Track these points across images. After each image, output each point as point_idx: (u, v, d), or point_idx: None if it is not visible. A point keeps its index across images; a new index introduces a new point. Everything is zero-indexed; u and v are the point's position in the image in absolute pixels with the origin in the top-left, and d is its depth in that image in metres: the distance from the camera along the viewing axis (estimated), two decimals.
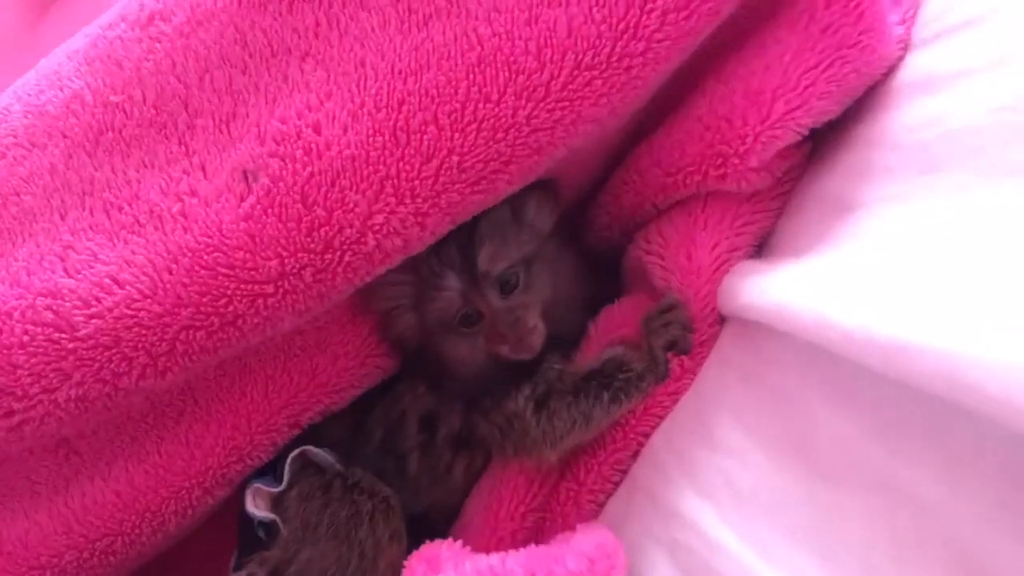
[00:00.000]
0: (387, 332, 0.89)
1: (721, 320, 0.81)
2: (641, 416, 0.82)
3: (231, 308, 0.75)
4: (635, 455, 0.82)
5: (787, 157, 0.80)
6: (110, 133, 0.81)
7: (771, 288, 0.68)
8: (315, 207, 0.74)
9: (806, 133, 0.77)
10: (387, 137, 0.74)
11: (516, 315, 0.84)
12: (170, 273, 0.75)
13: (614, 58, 0.74)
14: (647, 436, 0.81)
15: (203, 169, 0.79)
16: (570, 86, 0.74)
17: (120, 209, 0.79)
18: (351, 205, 0.74)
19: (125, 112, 0.81)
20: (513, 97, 0.74)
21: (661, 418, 0.81)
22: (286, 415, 0.87)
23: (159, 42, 0.81)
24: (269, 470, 0.88)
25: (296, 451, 0.86)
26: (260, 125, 0.78)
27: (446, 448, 0.89)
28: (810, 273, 0.65)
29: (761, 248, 0.84)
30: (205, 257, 0.75)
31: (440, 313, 0.85)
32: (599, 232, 0.98)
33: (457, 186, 0.75)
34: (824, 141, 0.81)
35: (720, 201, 0.83)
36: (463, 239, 0.82)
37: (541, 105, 0.74)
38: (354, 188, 0.74)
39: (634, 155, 0.90)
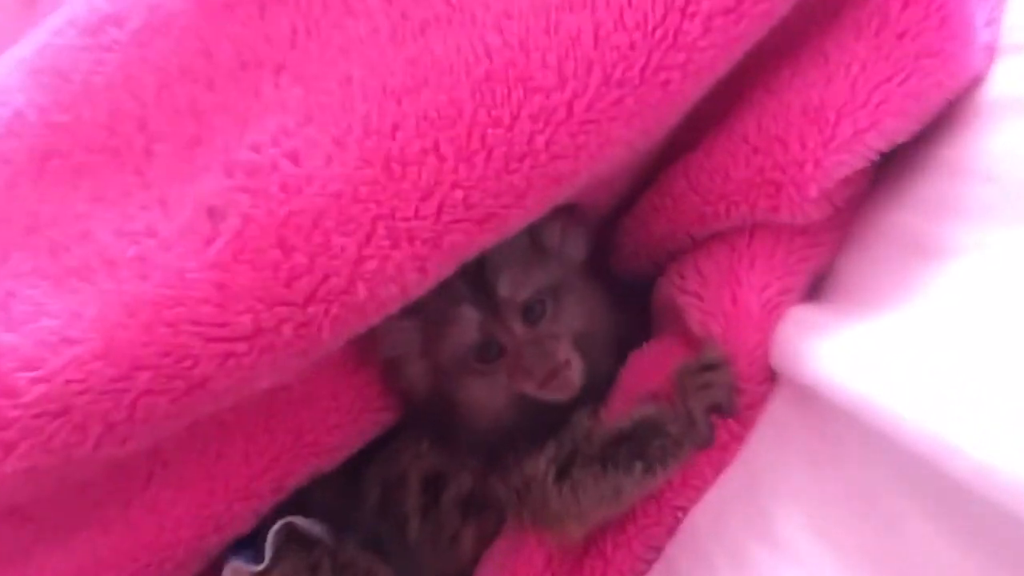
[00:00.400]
0: (393, 382, 0.78)
1: (773, 375, 0.69)
2: (679, 488, 0.71)
3: (198, 371, 0.64)
4: (670, 531, 0.70)
5: (851, 183, 0.68)
6: (56, 159, 0.69)
7: (840, 355, 0.57)
8: (294, 252, 0.62)
9: (875, 157, 0.65)
10: (378, 169, 0.62)
11: (544, 346, 0.73)
12: (125, 329, 0.63)
13: (649, 72, 0.62)
14: (685, 510, 0.70)
15: (163, 204, 0.67)
16: (597, 106, 0.62)
17: (67, 250, 0.67)
18: (337, 250, 0.62)
19: (72, 134, 0.69)
20: (529, 120, 0.62)
21: (701, 491, 0.70)
22: (268, 479, 0.76)
23: (111, 51, 0.69)
24: (249, 542, 0.78)
25: (280, 523, 0.75)
26: (228, 152, 0.66)
27: (453, 512, 0.78)
28: (890, 343, 0.54)
29: (815, 286, 0.72)
30: (166, 312, 0.63)
31: (453, 349, 0.74)
32: (623, 260, 0.86)
33: (462, 225, 0.64)
34: (888, 163, 0.69)
35: (769, 233, 0.71)
36: (475, 268, 0.71)
37: (562, 129, 0.62)
38: (340, 230, 0.62)
39: (667, 176, 0.78)
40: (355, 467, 0.81)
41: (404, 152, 0.62)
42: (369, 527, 0.79)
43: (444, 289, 0.70)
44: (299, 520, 0.76)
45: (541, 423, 0.75)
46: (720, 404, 0.70)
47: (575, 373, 0.73)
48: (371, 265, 0.63)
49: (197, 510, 0.76)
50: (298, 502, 0.78)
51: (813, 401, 0.61)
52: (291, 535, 0.76)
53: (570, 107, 0.62)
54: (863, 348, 0.56)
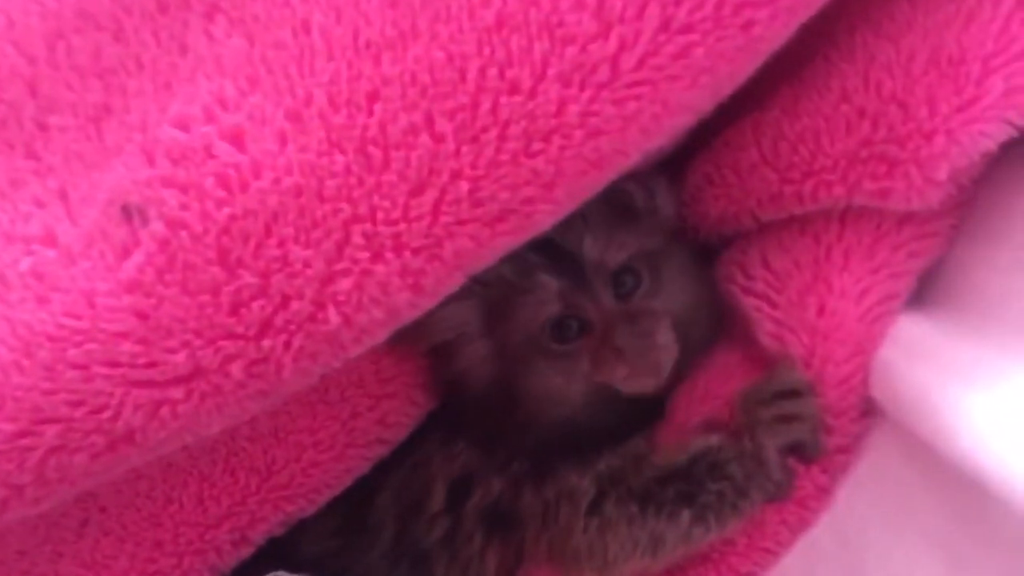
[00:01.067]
0: (445, 369, 0.64)
1: (872, 409, 0.54)
2: (744, 551, 0.56)
3: (121, 422, 0.49)
4: None
5: (983, 159, 0.51)
6: None
7: (982, 411, 0.41)
8: (240, 269, 0.46)
9: None
10: (351, 155, 0.45)
11: (642, 324, 0.59)
12: (20, 372, 0.48)
13: (726, 11, 0.44)
14: None
15: (64, 199, 0.50)
16: (652, 60, 0.45)
17: None
18: (298, 265, 0.46)
19: None
20: (558, 82, 0.45)
21: (776, 556, 0.55)
22: (229, 528, 0.62)
23: None
24: None
25: None
26: (147, 129, 0.49)
27: (475, 524, 0.64)
28: None
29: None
30: (72, 349, 0.47)
31: (526, 326, 0.60)
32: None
33: (469, 227, 0.47)
34: None
35: (867, 222, 0.55)
36: (552, 233, 0.54)
37: (604, 93, 0.45)
38: (301, 238, 0.46)
39: (728, 142, 0.60)
40: (354, 500, 0.66)
41: (386, 130, 0.45)
42: (380, 570, 0.65)
43: (511, 256, 0.54)
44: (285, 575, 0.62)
45: (610, 425, 0.61)
46: (802, 443, 0.55)
47: (668, 358, 0.59)
48: (344, 284, 0.47)
49: (142, 565, 0.62)
50: (282, 549, 0.64)
51: (930, 452, 0.45)
52: None
53: (615, 63, 0.45)
54: (1019, 407, 0.40)
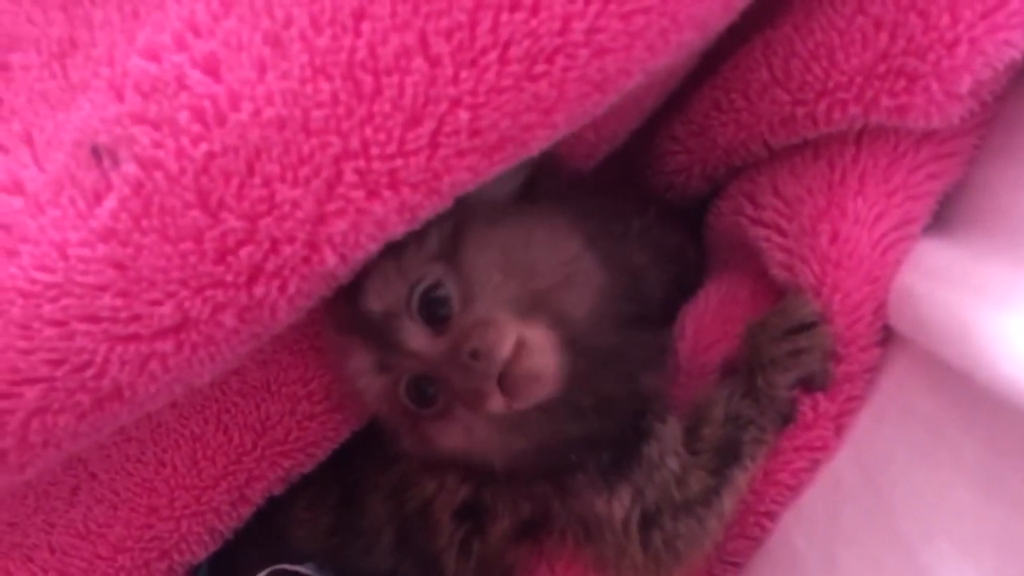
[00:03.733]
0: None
1: (887, 336, 0.52)
2: (763, 484, 0.54)
3: (106, 380, 0.46)
4: (756, 542, 0.55)
5: (1007, 72, 0.48)
6: None
7: (1018, 339, 0.39)
8: (223, 212, 0.43)
9: None
10: (338, 82, 0.41)
11: (478, 358, 0.48)
12: None
13: None
14: (773, 518, 0.54)
15: (29, 142, 0.47)
16: None
17: None
18: (287, 207, 0.43)
19: None
20: None
21: (794, 489, 0.53)
22: (226, 488, 0.60)
23: None
24: None
25: (267, 572, 0.59)
26: (115, 63, 0.45)
27: (504, 543, 0.59)
28: None
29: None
30: (47, 305, 0.44)
31: (384, 412, 0.54)
32: (666, 177, 0.66)
33: (469, 158, 0.44)
34: None
35: (884, 142, 0.52)
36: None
37: (611, 7, 0.42)
38: (288, 176, 0.42)
39: (736, 64, 0.57)
40: (343, 496, 0.64)
41: (376, 54, 0.41)
42: (385, 569, 0.63)
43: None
44: (291, 568, 0.59)
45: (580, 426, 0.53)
46: (811, 376, 0.53)
47: (539, 357, 0.48)
48: (340, 225, 0.44)
49: (138, 531, 0.59)
50: (278, 546, 0.62)
51: (959, 380, 0.43)
52: None
53: None
54: None
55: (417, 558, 0.61)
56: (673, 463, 0.54)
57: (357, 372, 0.52)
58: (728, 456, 0.54)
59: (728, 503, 0.54)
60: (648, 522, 0.54)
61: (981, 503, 0.42)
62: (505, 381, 0.48)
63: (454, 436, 0.52)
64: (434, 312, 0.49)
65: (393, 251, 0.47)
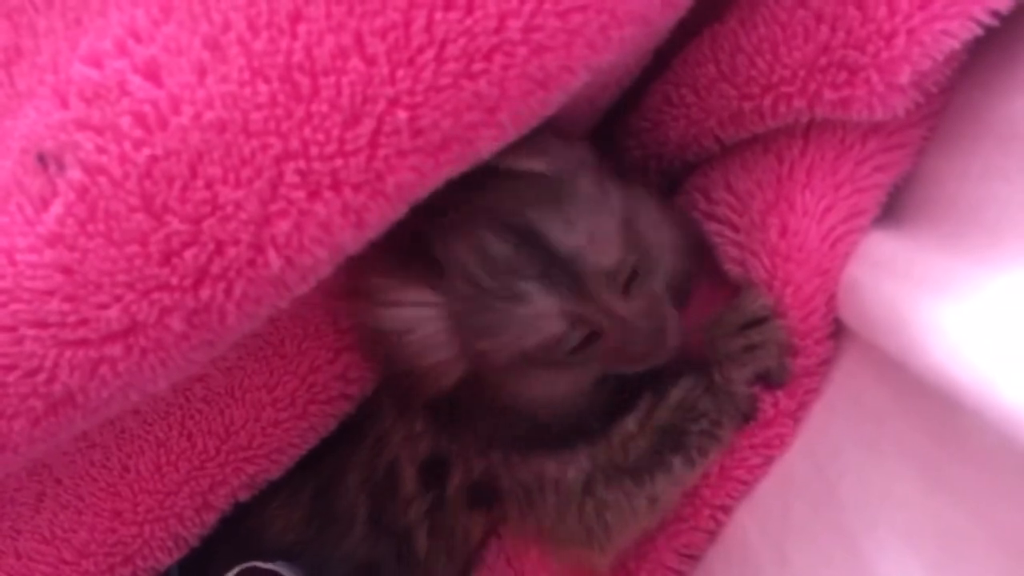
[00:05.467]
0: (399, 358, 0.55)
1: (838, 329, 0.52)
2: (718, 479, 0.55)
3: (57, 385, 0.46)
4: (710, 535, 0.55)
5: (951, 60, 0.49)
6: None
7: (954, 323, 0.39)
8: (167, 215, 0.43)
9: (993, 23, 0.46)
10: (276, 83, 0.42)
11: (655, 320, 0.53)
12: None
13: None
14: (726, 510, 0.54)
15: None
16: None
17: None
18: (230, 208, 0.43)
19: None
20: None
21: (748, 484, 0.54)
22: (189, 494, 0.60)
23: None
24: None
25: (236, 570, 0.59)
26: (59, 70, 0.45)
27: (458, 502, 0.61)
28: None
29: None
30: None
31: (517, 342, 0.52)
32: (624, 173, 0.66)
33: (411, 158, 0.44)
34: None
35: (831, 135, 0.52)
36: (526, 223, 0.50)
37: (546, 5, 0.42)
38: (230, 177, 0.43)
39: (686, 58, 0.57)
40: (319, 484, 0.64)
41: (312, 54, 0.42)
42: (359, 556, 0.63)
43: (482, 253, 0.50)
44: (263, 566, 0.60)
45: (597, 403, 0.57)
46: (768, 370, 0.53)
47: (674, 331, 0.54)
48: (283, 226, 0.44)
49: (102, 536, 0.60)
50: (255, 543, 0.62)
51: (903, 372, 0.44)
52: None
53: None
54: (993, 315, 0.38)
55: (390, 539, 0.62)
56: (628, 426, 0.56)
57: (536, 314, 0.50)
58: (668, 441, 0.54)
59: (662, 488, 0.54)
60: (585, 487, 0.55)
61: (922, 493, 0.42)
62: (655, 345, 0.53)
63: (549, 382, 0.55)
64: (618, 279, 0.52)
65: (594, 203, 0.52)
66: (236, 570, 0.59)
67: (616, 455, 0.55)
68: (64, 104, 0.43)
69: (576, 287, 0.50)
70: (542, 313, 0.51)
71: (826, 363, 0.52)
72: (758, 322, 0.53)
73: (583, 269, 0.50)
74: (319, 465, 0.63)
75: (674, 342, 0.54)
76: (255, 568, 0.59)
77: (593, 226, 0.51)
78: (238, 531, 0.64)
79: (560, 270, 0.50)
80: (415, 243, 0.52)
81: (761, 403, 0.54)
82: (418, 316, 0.53)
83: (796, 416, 0.53)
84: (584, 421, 0.57)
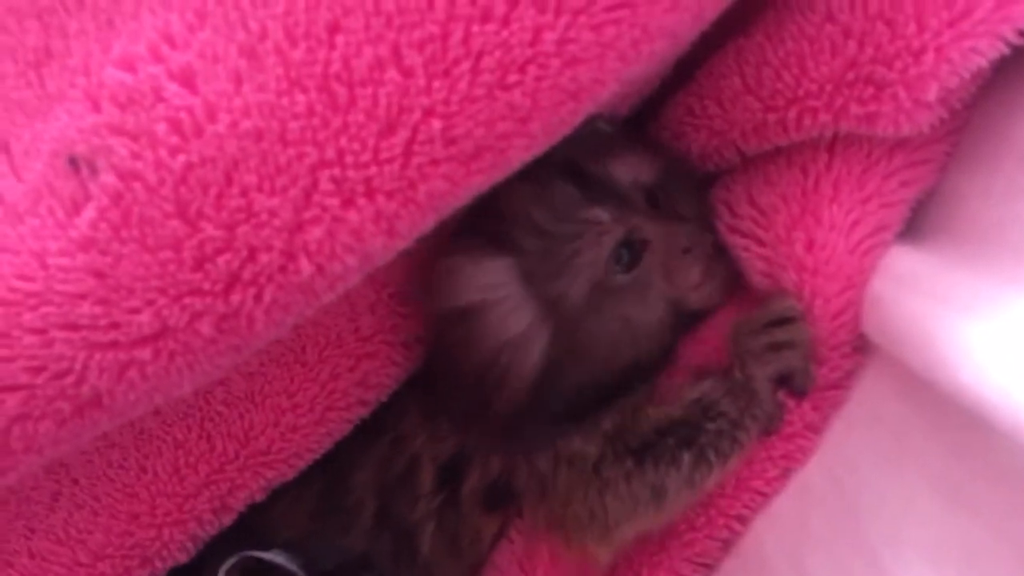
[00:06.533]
0: (476, 343, 0.55)
1: (864, 344, 0.52)
2: (734, 492, 0.55)
3: (86, 387, 0.46)
4: (725, 545, 0.55)
5: (975, 80, 0.49)
6: None
7: (980, 346, 0.40)
8: (202, 222, 0.43)
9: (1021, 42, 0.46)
10: (314, 93, 0.42)
11: (693, 237, 0.58)
12: None
13: None
14: (743, 520, 0.55)
15: (5, 151, 0.48)
16: None
17: None
18: (264, 215, 0.43)
19: None
20: (533, 9, 0.42)
21: (766, 496, 0.54)
22: (208, 497, 0.60)
23: None
24: None
25: (233, 559, 0.59)
26: (91, 73, 0.45)
27: (473, 503, 0.61)
28: None
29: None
30: (27, 314, 0.44)
31: (588, 268, 0.54)
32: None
33: (444, 167, 0.44)
34: None
35: (857, 150, 0.52)
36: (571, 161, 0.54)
37: (581, 18, 0.43)
38: (266, 186, 0.43)
39: (710, 70, 0.58)
40: (329, 482, 0.64)
41: (350, 65, 0.42)
42: (359, 551, 0.63)
43: (539, 201, 0.54)
44: (258, 555, 0.60)
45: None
46: (792, 373, 0.53)
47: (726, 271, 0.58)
48: (315, 233, 0.44)
49: (119, 539, 0.60)
50: (255, 532, 0.62)
51: (925, 387, 0.44)
52: (248, 571, 0.60)
53: None
54: (1020, 337, 0.39)
55: (393, 534, 0.62)
56: (639, 396, 0.57)
57: (598, 232, 0.54)
58: (680, 434, 0.55)
59: (669, 482, 0.54)
60: (595, 465, 0.56)
61: (944, 510, 0.42)
62: (709, 259, 0.58)
63: (626, 311, 0.56)
64: (657, 198, 0.57)
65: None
66: (234, 558, 0.59)
67: (626, 427, 0.56)
68: (96, 108, 0.44)
69: (620, 201, 0.55)
70: (599, 227, 0.54)
71: (851, 376, 0.53)
72: (785, 321, 0.53)
73: (621, 185, 0.56)
74: (326, 464, 0.63)
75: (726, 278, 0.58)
76: (252, 557, 0.60)
77: (626, 151, 0.57)
78: (240, 523, 0.64)
79: (601, 190, 0.55)
80: (471, 222, 0.55)
81: (788, 415, 0.54)
82: (494, 282, 0.55)
83: (818, 429, 0.53)
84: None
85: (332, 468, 0.63)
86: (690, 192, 0.59)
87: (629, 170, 0.56)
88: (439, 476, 0.61)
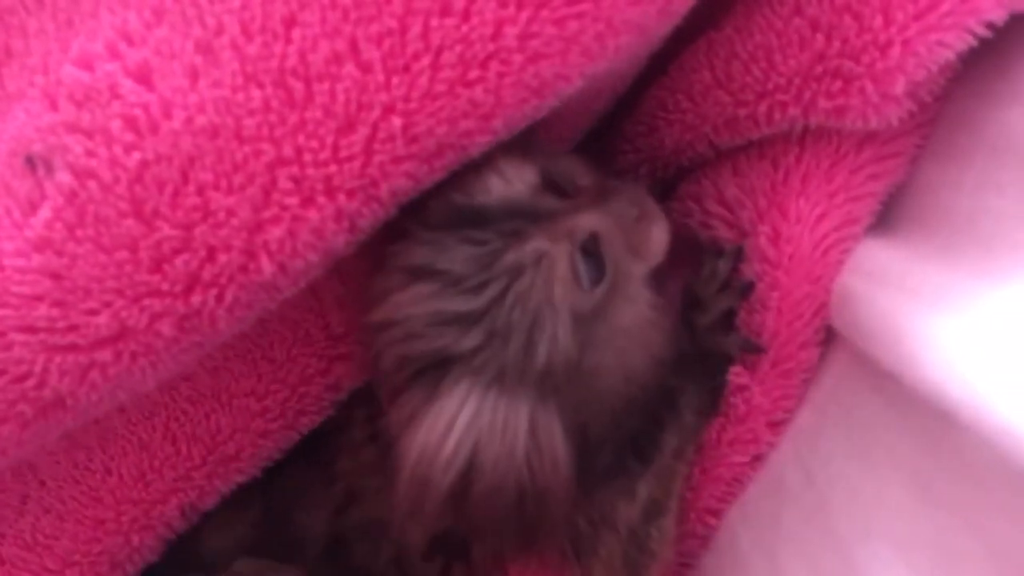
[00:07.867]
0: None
1: (827, 336, 0.52)
2: (700, 483, 0.54)
3: (47, 390, 0.46)
4: (703, 540, 0.55)
5: (945, 69, 0.49)
6: None
7: (948, 339, 0.39)
8: (157, 221, 0.43)
9: (987, 34, 0.46)
10: (270, 88, 0.41)
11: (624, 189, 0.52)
12: None
13: None
14: (715, 514, 0.54)
15: None
16: None
17: None
18: (222, 214, 0.43)
19: None
20: (493, 3, 0.41)
21: (733, 488, 0.54)
22: (177, 504, 0.59)
23: None
24: None
25: None
26: (49, 72, 0.45)
27: (493, 565, 0.56)
28: None
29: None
30: None
31: (551, 308, 0.46)
32: (620, 174, 0.66)
33: (406, 164, 0.44)
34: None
35: (826, 144, 0.52)
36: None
37: (543, 12, 0.42)
38: (222, 183, 0.42)
39: (681, 64, 0.57)
40: (264, 511, 0.63)
41: (307, 60, 0.41)
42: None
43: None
44: None
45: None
46: (731, 311, 0.54)
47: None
48: (276, 232, 0.44)
49: (86, 546, 0.58)
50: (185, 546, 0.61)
51: (896, 382, 0.44)
52: None
53: None
54: (988, 330, 0.39)
55: (345, 572, 0.60)
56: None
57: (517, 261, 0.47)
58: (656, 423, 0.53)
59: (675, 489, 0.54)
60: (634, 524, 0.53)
61: (915, 503, 0.42)
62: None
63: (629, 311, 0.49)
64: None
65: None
66: None
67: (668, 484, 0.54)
68: (54, 106, 0.43)
69: (534, 214, 0.47)
70: (538, 256, 0.45)
71: (809, 369, 0.53)
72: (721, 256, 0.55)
73: (525, 198, 0.48)
74: (266, 482, 0.61)
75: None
76: None
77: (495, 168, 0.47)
78: (178, 545, 0.61)
79: (510, 215, 0.47)
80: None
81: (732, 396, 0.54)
82: (468, 420, 0.44)
83: (770, 416, 0.53)
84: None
85: (269, 496, 0.61)
86: (574, 160, 0.53)
87: (508, 181, 0.48)
88: (430, 547, 0.55)
